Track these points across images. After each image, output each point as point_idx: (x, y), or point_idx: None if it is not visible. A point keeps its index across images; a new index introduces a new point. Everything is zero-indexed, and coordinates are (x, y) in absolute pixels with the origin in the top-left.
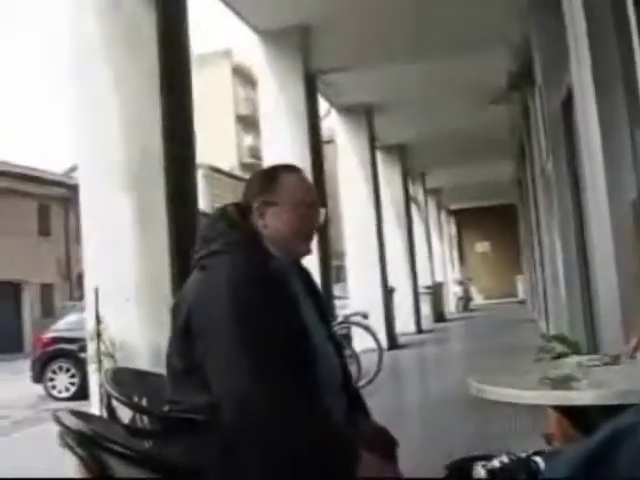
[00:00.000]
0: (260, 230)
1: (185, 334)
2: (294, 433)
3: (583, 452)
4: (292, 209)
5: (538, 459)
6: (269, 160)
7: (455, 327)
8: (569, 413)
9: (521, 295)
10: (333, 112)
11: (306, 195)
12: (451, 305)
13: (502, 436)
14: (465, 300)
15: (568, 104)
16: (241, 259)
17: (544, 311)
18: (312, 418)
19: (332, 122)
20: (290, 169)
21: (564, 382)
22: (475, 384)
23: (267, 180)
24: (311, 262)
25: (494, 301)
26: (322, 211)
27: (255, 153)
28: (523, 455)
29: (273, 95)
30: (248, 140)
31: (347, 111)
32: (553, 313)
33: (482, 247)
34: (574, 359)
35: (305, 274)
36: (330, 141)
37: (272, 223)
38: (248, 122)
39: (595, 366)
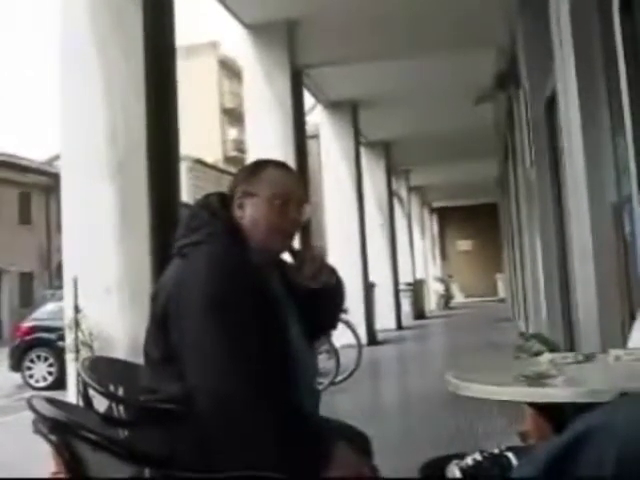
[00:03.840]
0: (239, 221)
1: (162, 323)
2: (268, 427)
3: (551, 450)
4: (269, 201)
5: (510, 455)
6: (253, 154)
7: (435, 324)
8: (544, 410)
9: (501, 294)
10: (318, 107)
11: (286, 189)
12: (432, 302)
13: (480, 433)
14: (446, 298)
15: (552, 105)
16: (221, 250)
17: (523, 310)
18: (286, 413)
19: (317, 117)
20: (277, 164)
21: (539, 379)
22: (452, 380)
23: (251, 171)
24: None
25: (475, 299)
26: (306, 208)
27: (240, 146)
28: (496, 451)
29: (259, 88)
30: (233, 133)
31: (333, 106)
32: (532, 312)
33: (464, 245)
34: (548, 356)
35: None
36: (315, 136)
37: (250, 214)
38: (233, 115)
39: (569, 364)
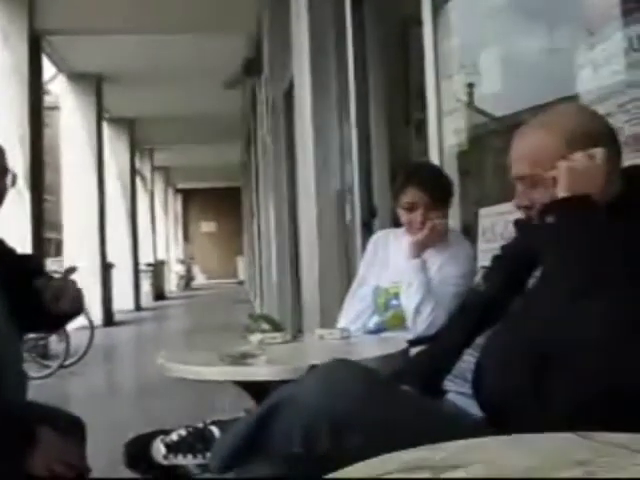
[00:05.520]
0: None
1: None
2: None
3: (248, 422)
4: None
5: (214, 428)
6: None
7: (175, 305)
8: (251, 388)
9: (241, 276)
10: (60, 77)
11: None
12: (172, 283)
13: (208, 412)
14: (187, 279)
15: (290, 96)
16: None
17: (260, 292)
18: None
19: (59, 88)
20: None
21: (242, 358)
22: (162, 362)
23: None
24: (22, 234)
25: (216, 281)
26: (9, 178)
27: None
28: (200, 426)
29: None
30: None
31: (76, 78)
32: (267, 294)
33: (207, 227)
34: (258, 337)
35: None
36: (55, 107)
37: None
38: None
39: (277, 344)
